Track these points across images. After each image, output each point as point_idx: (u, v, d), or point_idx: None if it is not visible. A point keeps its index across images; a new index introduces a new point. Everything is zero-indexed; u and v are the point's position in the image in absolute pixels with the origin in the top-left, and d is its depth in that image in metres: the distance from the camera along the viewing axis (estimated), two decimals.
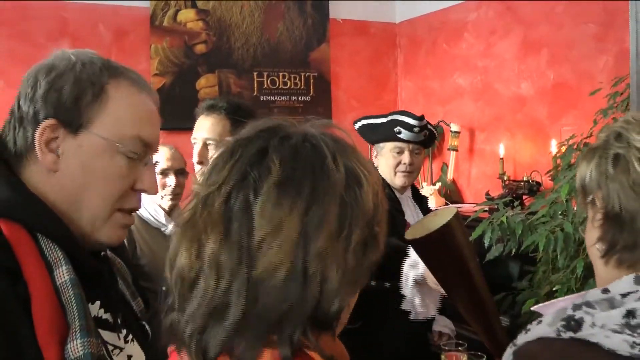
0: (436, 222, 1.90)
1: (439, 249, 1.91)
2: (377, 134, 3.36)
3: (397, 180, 3.27)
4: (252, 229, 0.94)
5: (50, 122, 1.32)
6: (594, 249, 1.39)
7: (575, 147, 3.56)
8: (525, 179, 4.73)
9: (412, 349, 3.03)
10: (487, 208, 4.07)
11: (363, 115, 3.52)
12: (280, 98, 5.95)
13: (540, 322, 1.33)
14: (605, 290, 1.27)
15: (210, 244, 0.96)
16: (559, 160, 3.67)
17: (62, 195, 1.34)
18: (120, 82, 1.39)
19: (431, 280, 2.36)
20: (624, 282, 1.26)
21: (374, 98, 6.26)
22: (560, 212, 2.97)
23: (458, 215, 1.93)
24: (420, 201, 3.45)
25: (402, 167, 3.26)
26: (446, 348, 2.20)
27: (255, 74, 5.88)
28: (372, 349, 2.96)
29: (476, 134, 5.70)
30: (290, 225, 0.94)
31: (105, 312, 1.40)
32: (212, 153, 2.73)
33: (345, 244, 0.97)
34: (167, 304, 1.03)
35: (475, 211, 3.40)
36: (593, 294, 1.28)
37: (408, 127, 3.24)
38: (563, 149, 3.71)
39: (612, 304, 1.25)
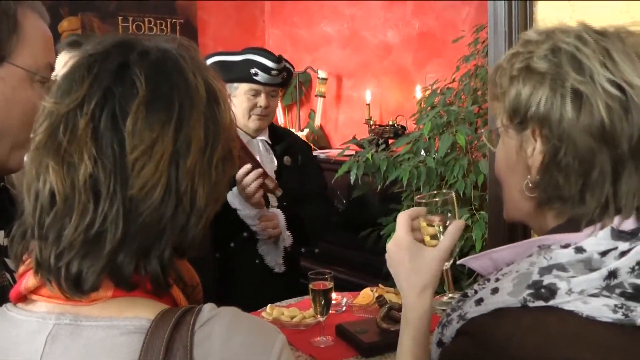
0: None
1: None
2: (231, 73, 3.04)
3: (251, 124, 3.05)
4: (124, 148, 0.92)
5: None
6: (519, 190, 1.20)
7: (438, 91, 3.68)
8: (390, 123, 4.84)
9: (282, 281, 3.05)
10: (353, 152, 4.16)
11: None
12: None
13: (495, 290, 1.12)
14: (580, 250, 1.06)
15: (84, 166, 0.92)
16: (422, 104, 3.77)
17: None
18: (26, 10, 1.37)
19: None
20: (601, 239, 1.06)
21: (242, 45, 6.05)
22: (422, 149, 3.08)
23: None
24: (280, 141, 3.21)
25: (257, 111, 3.04)
26: (313, 277, 2.25)
27: (120, 18, 5.70)
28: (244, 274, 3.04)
29: (343, 80, 5.77)
30: (163, 143, 0.93)
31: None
32: None
33: (210, 159, 0.98)
34: (20, 231, 0.99)
35: (342, 150, 3.46)
36: (563, 254, 1.08)
37: (265, 69, 2.99)
38: (427, 93, 3.82)
39: (589, 265, 1.06)
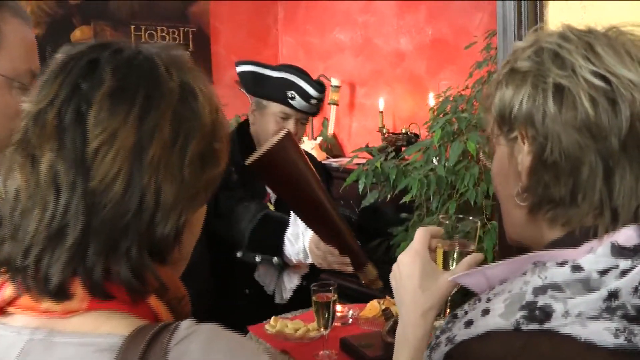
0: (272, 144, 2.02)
1: (274, 165, 1.99)
2: (263, 89, 2.79)
3: None
4: (86, 139, 0.90)
5: None
6: (512, 200, 1.11)
7: (451, 98, 3.62)
8: (404, 131, 4.78)
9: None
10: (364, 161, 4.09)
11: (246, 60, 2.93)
12: None
13: (486, 311, 1.03)
14: (577, 268, 0.97)
15: (46, 159, 0.90)
16: (435, 112, 3.71)
17: None
18: (6, 15, 1.35)
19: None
20: (600, 256, 0.97)
21: (255, 53, 6.14)
22: (433, 157, 3.01)
23: (289, 136, 2.01)
24: None
25: None
26: (316, 289, 2.18)
27: (132, 27, 5.66)
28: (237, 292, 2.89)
29: (357, 88, 5.72)
30: (125, 134, 0.90)
31: None
32: None
33: (181, 155, 0.94)
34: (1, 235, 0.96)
35: (350, 158, 3.40)
36: (558, 273, 0.98)
37: (305, 95, 2.73)
38: (440, 100, 3.76)
39: (587, 285, 0.96)
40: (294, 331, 2.31)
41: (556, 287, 0.97)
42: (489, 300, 1.06)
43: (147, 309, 0.93)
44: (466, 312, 1.10)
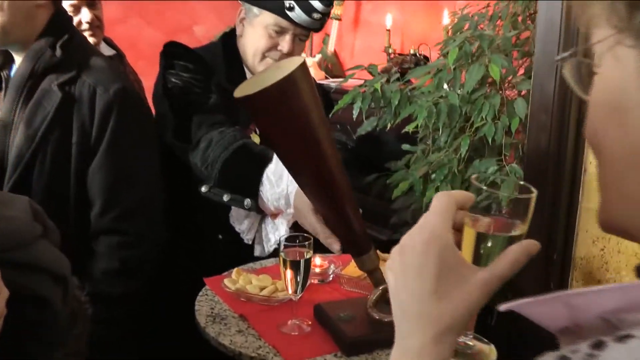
0: (277, 76, 1.39)
1: (277, 108, 1.40)
2: None
3: (259, 68, 2.31)
4: None
5: None
6: (635, 156, 0.61)
7: (471, 15, 3.07)
8: (412, 52, 4.25)
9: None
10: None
11: None
12: None
13: None
14: None
15: None
16: (450, 33, 3.16)
17: None
18: None
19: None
20: None
21: None
22: (446, 82, 2.49)
23: (304, 68, 1.41)
24: None
25: (275, 55, 2.30)
26: (287, 243, 1.69)
27: None
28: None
29: (362, 3, 5.16)
30: None
31: None
32: None
33: None
34: None
35: (345, 78, 2.89)
36: None
37: (306, 8, 2.23)
38: (456, 18, 3.22)
39: None
40: (258, 290, 1.84)
41: None
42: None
43: None
44: None
